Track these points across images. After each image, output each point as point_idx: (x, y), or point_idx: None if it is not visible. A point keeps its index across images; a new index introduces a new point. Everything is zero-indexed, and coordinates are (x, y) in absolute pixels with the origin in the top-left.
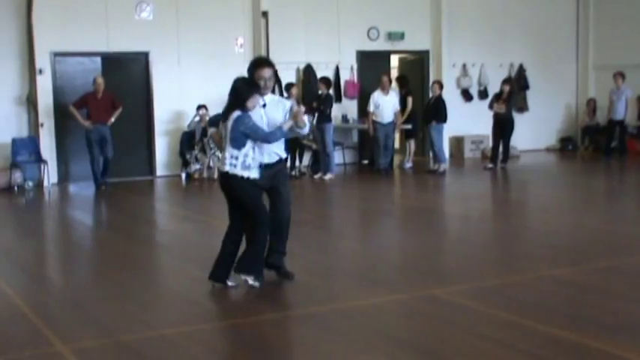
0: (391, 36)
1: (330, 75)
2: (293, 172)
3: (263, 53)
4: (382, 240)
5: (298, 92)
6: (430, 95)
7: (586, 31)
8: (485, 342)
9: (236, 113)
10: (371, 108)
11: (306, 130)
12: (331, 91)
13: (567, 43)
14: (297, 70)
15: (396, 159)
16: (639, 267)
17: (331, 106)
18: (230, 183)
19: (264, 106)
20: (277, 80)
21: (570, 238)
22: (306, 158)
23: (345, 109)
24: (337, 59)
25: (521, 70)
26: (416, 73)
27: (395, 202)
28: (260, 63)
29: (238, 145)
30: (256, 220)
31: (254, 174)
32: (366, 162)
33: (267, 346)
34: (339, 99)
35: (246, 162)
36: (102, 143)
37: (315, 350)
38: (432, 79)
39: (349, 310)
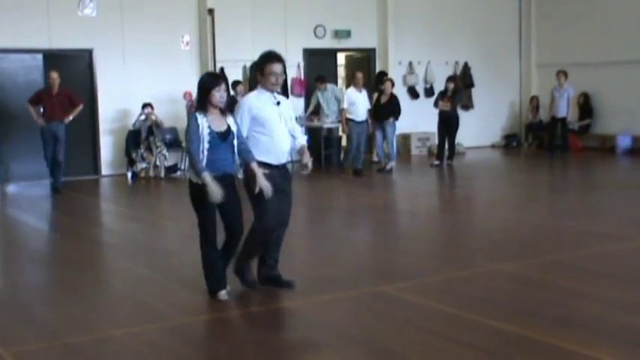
0: (338, 34)
1: None
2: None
3: (209, 51)
4: (331, 237)
5: (245, 90)
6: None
7: (528, 30)
8: (433, 337)
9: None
10: (345, 105)
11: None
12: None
13: (511, 42)
14: (244, 67)
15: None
16: (583, 261)
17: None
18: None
19: (278, 103)
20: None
21: (516, 233)
22: None
23: (293, 106)
24: (284, 57)
25: (466, 68)
26: (362, 70)
27: (343, 199)
28: (271, 57)
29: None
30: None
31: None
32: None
33: (217, 346)
34: (286, 97)
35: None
36: (54, 142)
37: (265, 349)
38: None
39: (298, 308)
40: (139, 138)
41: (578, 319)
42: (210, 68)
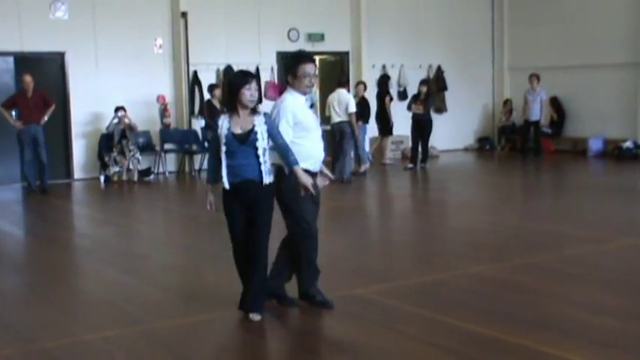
0: (311, 37)
1: None
2: None
3: (182, 54)
4: None
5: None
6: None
7: (501, 34)
8: (408, 339)
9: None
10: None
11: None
12: None
13: (483, 45)
14: (217, 71)
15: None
16: (556, 263)
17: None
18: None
19: (311, 106)
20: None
21: (490, 236)
22: None
23: (266, 110)
24: (257, 60)
25: (439, 72)
26: (336, 74)
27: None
28: (303, 58)
29: None
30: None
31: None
32: None
33: (189, 350)
34: (259, 100)
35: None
36: (34, 145)
37: (240, 352)
38: (352, 80)
39: (276, 311)
40: (112, 141)
41: (551, 321)
42: (184, 72)
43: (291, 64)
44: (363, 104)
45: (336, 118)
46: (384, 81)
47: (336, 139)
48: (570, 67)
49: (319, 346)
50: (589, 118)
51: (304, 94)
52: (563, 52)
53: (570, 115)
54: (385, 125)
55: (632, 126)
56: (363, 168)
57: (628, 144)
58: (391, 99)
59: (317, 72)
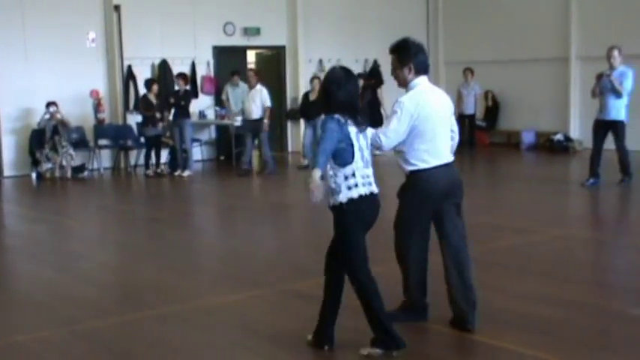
0: (247, 31)
1: (187, 70)
2: (149, 171)
3: (116, 48)
4: (243, 236)
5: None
6: (305, 90)
7: (436, 28)
8: (347, 333)
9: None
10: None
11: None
12: (188, 87)
13: (419, 39)
14: (153, 65)
15: None
16: (491, 254)
17: (190, 102)
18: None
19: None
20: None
21: None
22: (164, 155)
23: (202, 104)
24: (193, 54)
25: (375, 65)
26: (273, 68)
27: (256, 198)
28: None
29: None
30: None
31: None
32: (223, 158)
33: (128, 347)
34: (195, 95)
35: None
36: None
37: (177, 349)
38: (288, 74)
39: (210, 307)
40: (44, 137)
41: (486, 311)
42: (118, 66)
43: None
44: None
45: (258, 113)
46: (376, 71)
47: (253, 133)
48: (503, 62)
49: (255, 341)
50: (522, 112)
51: None
52: (496, 46)
53: (504, 109)
54: (377, 115)
55: (563, 119)
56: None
57: (559, 137)
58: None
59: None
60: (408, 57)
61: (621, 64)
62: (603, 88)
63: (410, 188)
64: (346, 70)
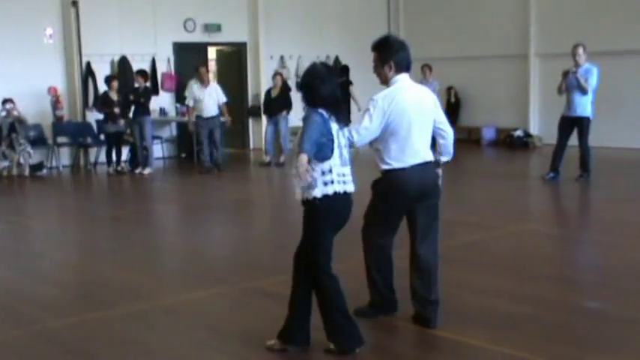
0: (208, 28)
1: (147, 67)
2: (110, 168)
3: (74, 45)
4: (205, 234)
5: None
6: (267, 87)
7: (397, 25)
8: (311, 331)
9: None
10: (191, 102)
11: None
12: (148, 84)
13: (379, 36)
14: (112, 62)
15: None
16: (452, 250)
17: (150, 99)
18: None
19: None
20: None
21: None
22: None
23: (163, 101)
24: (153, 51)
25: (337, 62)
26: (233, 65)
27: (217, 195)
28: None
29: None
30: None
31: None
32: (184, 155)
33: (89, 348)
34: (156, 92)
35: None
36: None
37: (139, 348)
38: (250, 71)
39: (173, 306)
40: (0, 135)
41: (447, 306)
42: (76, 63)
43: None
44: (283, 95)
45: (213, 111)
46: (345, 70)
47: (208, 130)
48: (464, 58)
49: (218, 339)
50: (482, 108)
51: None
52: (457, 43)
53: (464, 105)
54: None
55: (523, 115)
56: (282, 158)
57: (519, 133)
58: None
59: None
60: (389, 54)
61: (586, 62)
62: (569, 85)
63: (383, 186)
64: (327, 67)
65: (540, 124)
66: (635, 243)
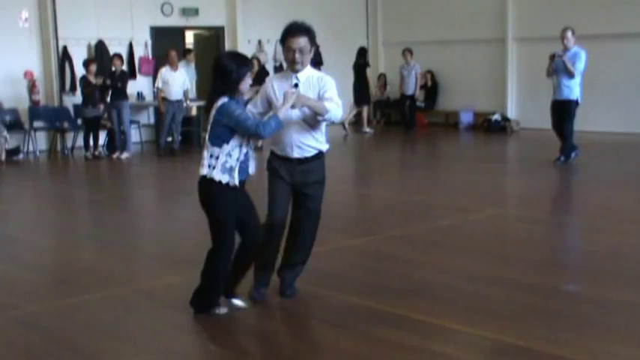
0: (185, 12)
1: (124, 51)
2: (88, 153)
3: (51, 29)
4: (182, 218)
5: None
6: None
7: (375, 9)
8: (286, 313)
9: (221, 100)
10: (160, 84)
11: (329, 116)
12: (125, 68)
13: (358, 20)
14: (89, 46)
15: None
16: (430, 234)
17: (127, 83)
18: (203, 190)
19: (295, 85)
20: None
21: (366, 209)
22: (102, 137)
23: (140, 86)
24: (130, 35)
25: (315, 46)
26: (211, 49)
27: (193, 179)
28: (289, 30)
29: (219, 141)
30: (218, 246)
31: (234, 180)
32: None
33: (67, 332)
34: (133, 76)
35: (227, 163)
36: None
37: (117, 333)
38: None
39: (151, 289)
40: None
41: (424, 289)
42: (53, 47)
43: (281, 37)
44: (262, 78)
45: (179, 94)
46: (362, 52)
47: (172, 113)
48: (441, 42)
49: (191, 322)
50: (460, 92)
51: (294, 71)
52: (434, 27)
53: (442, 89)
54: (363, 95)
55: (500, 100)
56: (260, 142)
57: (496, 117)
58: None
59: (309, 46)
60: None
61: (575, 45)
62: (556, 68)
63: (323, 170)
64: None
65: (518, 109)
66: (613, 226)
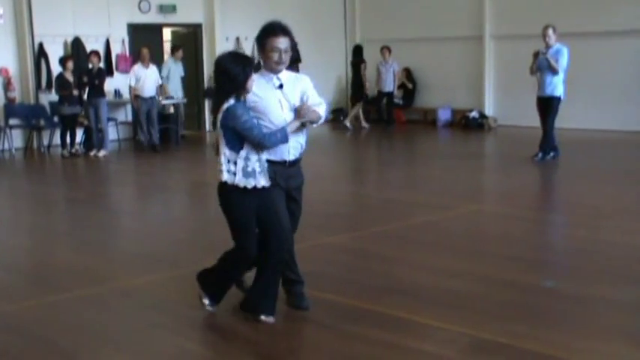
0: (163, 9)
1: (101, 49)
2: (65, 151)
3: (26, 25)
4: (161, 216)
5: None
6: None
7: (353, 7)
8: None
9: (227, 103)
10: (132, 82)
11: (321, 120)
12: (102, 65)
13: (336, 18)
14: (65, 43)
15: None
16: (408, 231)
17: (104, 80)
18: (224, 196)
19: (280, 87)
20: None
21: (344, 207)
22: (79, 135)
23: (118, 83)
24: (108, 32)
25: (293, 43)
26: (189, 46)
27: (172, 177)
28: (272, 30)
29: (234, 147)
30: (235, 249)
31: (259, 182)
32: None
33: (44, 332)
34: (110, 73)
35: (248, 167)
36: None
37: (95, 331)
38: (205, 52)
39: (129, 288)
40: None
41: (403, 286)
42: (28, 44)
43: (259, 37)
44: None
45: (152, 91)
46: (357, 50)
47: (147, 110)
48: (419, 40)
49: (169, 321)
50: (438, 90)
51: (274, 72)
52: (412, 25)
53: (420, 87)
54: (358, 91)
55: (477, 96)
56: None
57: (474, 114)
58: (365, 66)
59: (289, 47)
60: (293, 38)
61: (556, 42)
62: (540, 65)
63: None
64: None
65: (495, 106)
66: (591, 222)
